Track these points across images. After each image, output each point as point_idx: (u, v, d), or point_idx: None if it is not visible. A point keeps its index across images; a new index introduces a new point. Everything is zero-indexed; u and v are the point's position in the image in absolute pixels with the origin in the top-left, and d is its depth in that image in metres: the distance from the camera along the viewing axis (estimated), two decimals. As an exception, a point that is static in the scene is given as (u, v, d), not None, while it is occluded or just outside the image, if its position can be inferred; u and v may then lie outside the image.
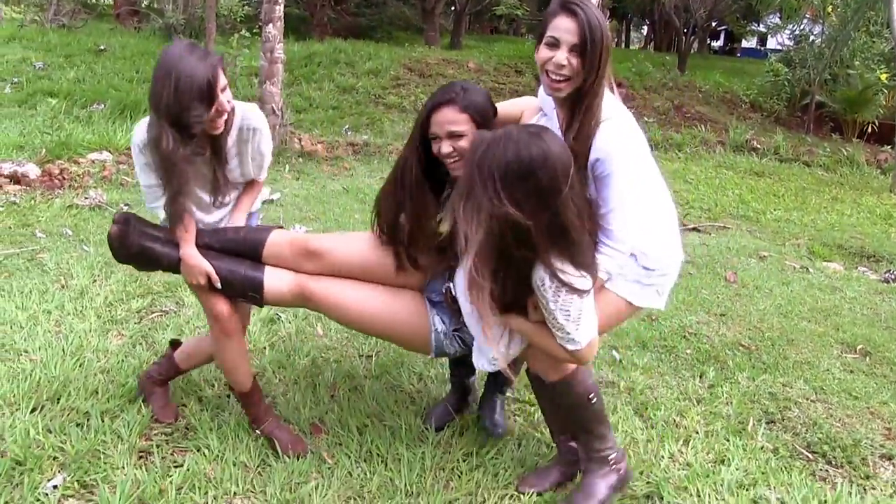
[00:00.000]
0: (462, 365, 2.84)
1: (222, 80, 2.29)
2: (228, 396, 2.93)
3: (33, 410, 2.77)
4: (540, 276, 2.02)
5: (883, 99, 12.57)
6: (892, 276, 5.67)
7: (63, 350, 3.25)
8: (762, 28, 24.76)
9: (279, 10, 8.21)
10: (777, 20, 18.50)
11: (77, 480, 2.41)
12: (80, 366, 3.13)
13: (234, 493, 2.41)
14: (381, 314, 2.48)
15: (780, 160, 10.80)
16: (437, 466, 2.61)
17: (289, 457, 2.59)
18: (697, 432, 2.99)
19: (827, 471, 2.82)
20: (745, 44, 35.07)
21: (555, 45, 2.13)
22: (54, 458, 2.51)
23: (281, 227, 2.63)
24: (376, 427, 2.82)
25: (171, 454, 2.61)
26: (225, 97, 2.30)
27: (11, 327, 3.45)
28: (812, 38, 13.56)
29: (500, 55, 14.57)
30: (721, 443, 2.92)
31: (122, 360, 3.21)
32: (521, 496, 2.50)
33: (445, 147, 2.30)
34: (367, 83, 11.98)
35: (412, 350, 2.70)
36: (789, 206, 8.32)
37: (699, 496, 2.55)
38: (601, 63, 2.10)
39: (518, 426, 2.93)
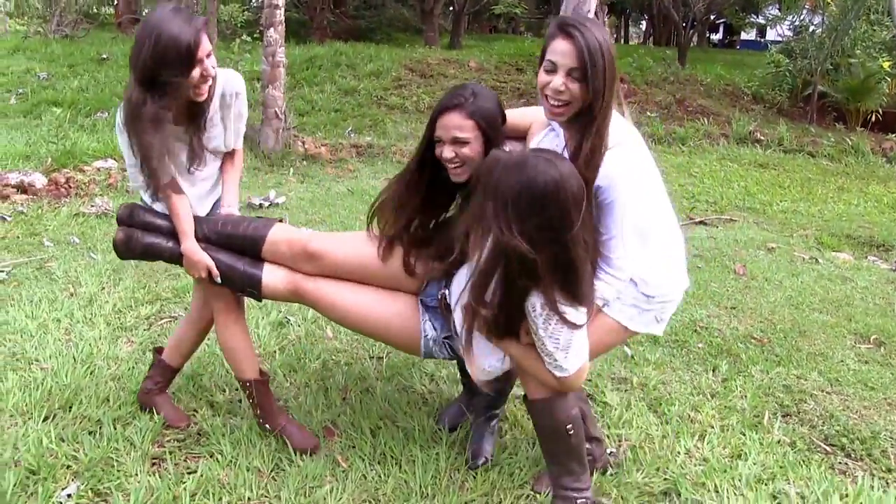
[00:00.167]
0: None
1: (207, 46, 2.27)
2: (240, 401, 2.91)
3: (46, 419, 2.76)
4: (532, 301, 2.00)
5: (886, 87, 12.51)
6: (903, 265, 5.64)
7: (74, 358, 3.25)
8: (761, 20, 24.74)
9: (280, 14, 8.21)
10: (776, 11, 18.48)
11: (91, 489, 2.40)
12: (90, 373, 3.13)
13: (249, 499, 2.40)
14: (373, 316, 2.48)
15: (784, 151, 10.75)
16: (452, 467, 2.60)
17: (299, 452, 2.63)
18: (713, 427, 2.97)
19: (846, 464, 2.79)
20: (744, 36, 35.00)
21: (552, 69, 2.07)
22: (68, 467, 2.50)
23: (281, 221, 2.63)
24: (389, 429, 2.81)
25: (185, 460, 2.61)
26: (210, 63, 2.29)
27: (22, 336, 3.45)
28: (812, 28, 13.50)
29: (500, 54, 14.55)
30: (737, 437, 2.90)
31: (133, 367, 3.21)
32: (538, 496, 2.48)
33: (448, 152, 2.27)
34: (368, 85, 11.97)
35: (402, 351, 2.71)
36: (795, 196, 8.28)
37: (717, 492, 2.53)
38: (605, 86, 2.03)
39: (531, 426, 2.90)
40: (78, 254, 4.77)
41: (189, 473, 2.51)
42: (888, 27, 12.93)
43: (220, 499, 2.39)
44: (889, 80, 12.51)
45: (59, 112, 9.27)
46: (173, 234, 2.52)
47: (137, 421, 2.76)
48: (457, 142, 2.25)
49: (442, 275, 2.44)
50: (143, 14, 19.26)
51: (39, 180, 6.33)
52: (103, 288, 4.15)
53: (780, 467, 2.69)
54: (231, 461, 2.57)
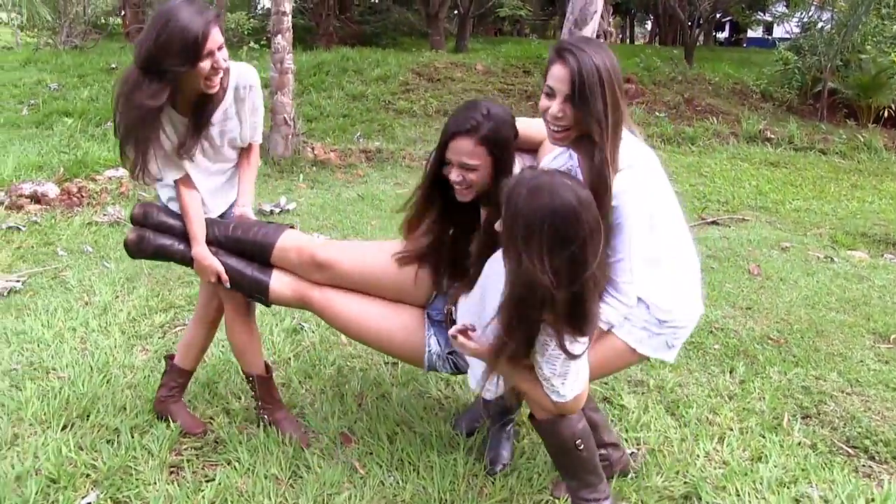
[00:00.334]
0: None
1: (218, 38, 2.25)
2: (256, 408, 2.91)
3: (64, 428, 2.77)
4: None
5: (898, 82, 12.40)
6: (919, 263, 5.59)
7: (90, 367, 3.26)
8: (768, 17, 24.63)
9: (288, 21, 8.22)
10: (783, 8, 18.40)
11: (110, 497, 2.41)
12: (107, 382, 3.14)
13: (268, 507, 2.40)
14: (378, 328, 2.49)
15: (795, 149, 10.69)
16: (470, 473, 2.59)
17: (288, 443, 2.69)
18: (732, 429, 2.95)
19: (870, 467, 2.76)
20: (750, 34, 34.87)
21: (551, 94, 2.05)
22: (87, 476, 2.51)
23: (292, 227, 2.63)
24: (406, 435, 2.80)
25: (202, 468, 2.61)
26: (221, 55, 2.28)
27: (39, 345, 3.46)
28: (821, 24, 13.41)
29: (507, 56, 14.53)
30: (757, 439, 2.87)
31: (149, 375, 3.21)
32: (557, 501, 2.47)
33: (455, 175, 2.23)
34: (376, 90, 11.98)
35: (406, 363, 2.72)
36: (808, 195, 8.23)
37: (738, 495, 2.51)
38: (606, 110, 1.98)
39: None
40: (92, 262, 4.79)
41: (207, 482, 2.51)
42: (899, 21, 12.85)
43: (239, 507, 2.39)
44: (901, 75, 12.41)
45: (70, 122, 9.33)
46: (186, 237, 2.54)
47: (154, 429, 2.77)
48: (465, 167, 2.21)
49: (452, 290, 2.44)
50: (152, 21, 19.33)
51: (52, 190, 6.37)
52: (117, 296, 4.16)
53: (802, 470, 2.66)
54: (248, 469, 2.56)
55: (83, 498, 2.39)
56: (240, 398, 3.05)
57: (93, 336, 3.60)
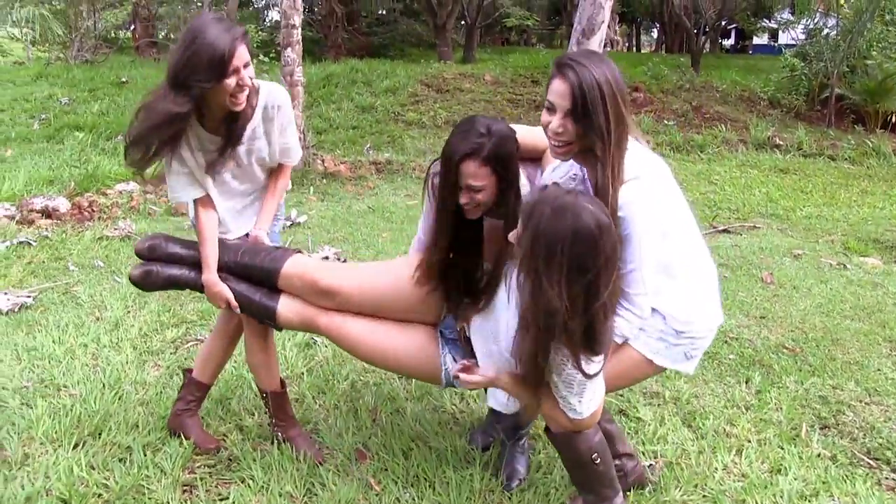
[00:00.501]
0: None
1: (244, 56, 2.25)
2: (269, 424, 2.89)
3: (76, 446, 2.75)
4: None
5: (904, 87, 12.35)
6: (933, 270, 5.54)
7: (101, 383, 3.24)
8: (773, 24, 24.61)
9: (297, 34, 8.25)
10: (788, 15, 18.37)
11: (124, 517, 2.39)
12: (119, 399, 3.12)
13: (283, 524, 2.38)
14: (391, 351, 2.46)
15: (804, 156, 10.66)
16: (487, 489, 2.56)
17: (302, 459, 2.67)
18: (749, 441, 2.91)
19: (894, 479, 2.71)
20: (756, 40, 34.82)
21: (551, 109, 2.03)
22: (99, 496, 2.48)
23: (299, 252, 2.61)
24: (421, 450, 2.77)
25: (216, 486, 2.58)
26: (247, 73, 2.28)
27: (50, 362, 3.45)
28: (826, 31, 13.39)
29: (515, 66, 14.56)
30: (775, 451, 2.84)
31: (161, 392, 3.20)
32: (575, 515, 2.44)
33: (463, 198, 2.21)
34: (385, 101, 12.01)
35: (423, 381, 2.70)
36: (818, 201, 8.19)
37: (759, 508, 2.47)
38: (608, 124, 1.96)
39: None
40: (102, 277, 4.79)
41: (221, 500, 2.49)
42: (904, 27, 12.80)
43: (254, 525, 2.37)
44: (907, 80, 12.37)
45: (80, 136, 9.36)
46: (195, 264, 2.54)
47: (167, 447, 2.75)
48: (472, 189, 2.18)
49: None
50: (160, 37, 19.52)
51: (63, 205, 6.39)
52: (128, 312, 4.15)
53: (823, 482, 2.62)
54: (262, 487, 2.54)
55: (96, 517, 2.37)
56: (253, 414, 3.03)
57: (104, 352, 3.59)
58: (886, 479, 2.71)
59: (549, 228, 1.82)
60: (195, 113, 2.33)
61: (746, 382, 3.45)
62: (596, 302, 1.85)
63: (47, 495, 2.45)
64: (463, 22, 20.32)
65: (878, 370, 3.59)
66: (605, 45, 5.85)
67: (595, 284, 1.84)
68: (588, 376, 1.95)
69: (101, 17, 19.47)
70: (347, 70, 13.68)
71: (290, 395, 2.92)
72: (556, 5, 27.00)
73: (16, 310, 4.14)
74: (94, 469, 2.61)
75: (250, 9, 22.57)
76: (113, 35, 21.53)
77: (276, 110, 2.50)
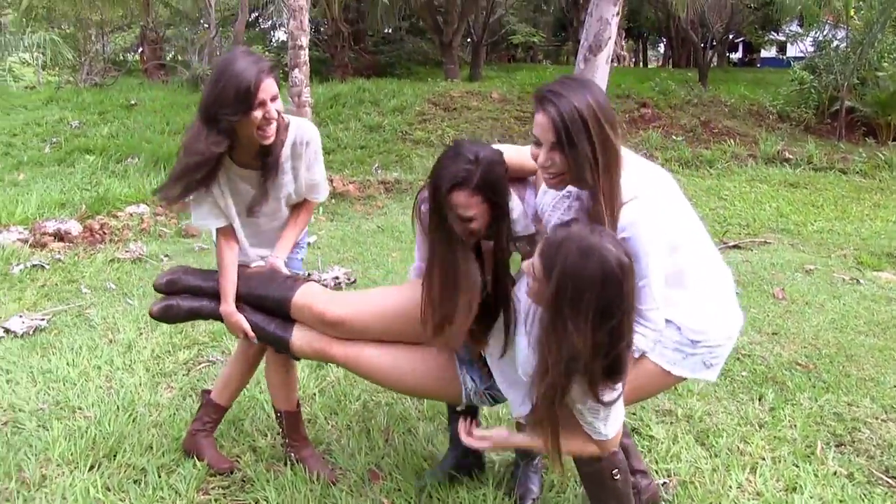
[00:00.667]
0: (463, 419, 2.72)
1: (271, 89, 2.27)
2: (282, 445, 2.90)
3: (91, 468, 2.77)
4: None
5: (917, 99, 12.29)
6: (946, 283, 5.50)
7: (116, 405, 3.26)
8: (781, 37, 24.61)
9: (305, 55, 8.33)
10: (797, 27, 18.37)
11: (139, 540, 2.40)
12: (133, 421, 3.14)
13: (297, 547, 2.38)
14: (409, 375, 2.45)
15: (814, 169, 10.61)
16: (500, 508, 2.55)
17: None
18: (764, 459, 2.90)
19: (914, 497, 2.70)
20: (764, 53, 34.83)
21: (538, 143, 2.02)
22: (115, 518, 2.50)
23: (309, 281, 2.61)
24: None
25: (230, 508, 2.59)
26: (275, 106, 2.29)
27: (64, 384, 3.48)
28: (836, 42, 13.38)
29: (522, 84, 14.59)
30: (790, 469, 2.82)
31: (174, 413, 3.21)
32: (590, 535, 2.42)
33: (457, 227, 2.18)
34: (393, 120, 12.07)
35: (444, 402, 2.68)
36: (830, 216, 8.16)
37: (775, 527, 2.46)
38: (593, 152, 1.93)
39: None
40: (115, 299, 4.82)
41: (235, 522, 2.50)
42: (916, 38, 12.77)
43: (268, 548, 2.37)
44: (920, 92, 12.31)
45: (91, 159, 9.47)
46: (215, 295, 2.56)
47: (181, 468, 2.76)
48: (464, 219, 2.16)
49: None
50: (168, 60, 19.72)
51: (75, 227, 6.45)
52: (141, 333, 4.17)
53: (840, 501, 2.60)
54: (277, 508, 2.55)
55: (112, 540, 2.38)
56: (266, 435, 3.04)
57: (118, 374, 3.61)
58: (905, 497, 2.69)
59: (576, 271, 1.81)
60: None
61: (760, 399, 3.44)
62: (620, 344, 1.86)
63: (63, 519, 2.46)
64: (469, 39, 20.42)
65: (895, 387, 3.56)
66: (611, 61, 5.87)
67: (619, 328, 1.84)
68: (607, 405, 1.95)
69: (109, 40, 19.73)
70: (355, 90, 13.77)
71: (303, 415, 2.93)
72: (562, 22, 27.10)
73: (30, 332, 4.18)
74: (109, 490, 2.63)
75: (257, 30, 22.75)
76: (121, 58, 21.82)
77: (304, 146, 2.51)
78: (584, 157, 1.94)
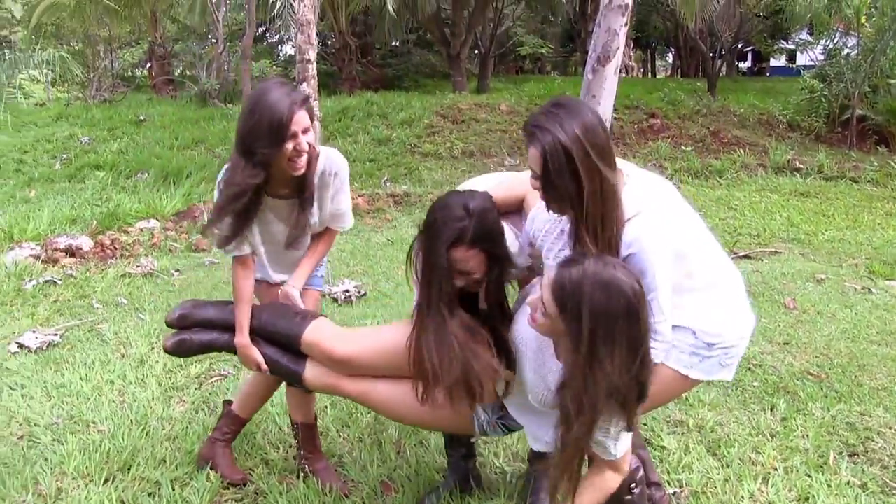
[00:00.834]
0: (460, 445, 2.71)
1: (303, 121, 2.29)
2: (295, 457, 2.91)
3: (106, 482, 2.79)
4: None
5: (930, 106, 12.25)
6: (959, 291, 5.47)
7: (129, 419, 3.28)
8: (791, 45, 24.58)
9: (312, 69, 8.38)
10: (807, 36, 18.35)
11: (153, 554, 2.41)
12: (146, 435, 3.15)
13: (310, 559, 2.38)
14: (421, 409, 2.41)
15: (825, 178, 10.57)
16: (512, 520, 2.56)
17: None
18: (776, 469, 2.88)
19: (929, 507, 2.68)
20: (773, 62, 34.81)
21: (535, 175, 2.02)
22: (129, 532, 2.51)
23: (318, 317, 2.59)
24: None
25: (244, 521, 2.60)
26: (306, 138, 2.30)
27: (78, 399, 3.50)
28: (846, 50, 13.35)
29: (530, 95, 14.63)
30: (802, 479, 2.81)
31: (187, 427, 3.23)
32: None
33: (459, 281, 2.21)
34: (401, 133, 12.12)
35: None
36: (841, 225, 8.13)
37: (788, 537, 2.45)
38: (578, 186, 1.93)
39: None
40: (126, 314, 4.86)
41: (248, 535, 2.51)
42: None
43: (281, 560, 2.38)
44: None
45: (101, 175, 9.55)
46: (226, 328, 2.58)
47: (195, 481, 2.77)
48: (464, 273, 2.19)
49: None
50: (176, 75, 19.87)
51: (86, 243, 6.50)
52: (153, 348, 4.20)
53: (854, 511, 2.60)
54: (289, 521, 2.56)
55: (126, 554, 2.39)
56: (278, 448, 3.05)
57: (130, 388, 3.64)
58: (919, 507, 2.68)
59: (605, 310, 1.82)
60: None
61: (771, 410, 3.42)
62: (647, 370, 1.89)
63: (78, 533, 2.48)
64: (476, 51, 20.52)
65: (907, 395, 3.55)
66: (620, 72, 5.88)
67: (647, 352, 1.87)
68: (630, 428, 1.98)
69: (117, 56, 19.89)
70: (363, 103, 13.84)
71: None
72: (570, 33, 27.18)
73: (44, 348, 4.21)
74: (124, 503, 2.64)
75: (264, 44, 22.92)
76: (130, 74, 22.00)
77: (332, 177, 2.53)
78: (565, 192, 1.96)
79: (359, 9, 16.34)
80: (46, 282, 5.53)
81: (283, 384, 2.83)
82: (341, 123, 12.76)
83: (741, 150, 11.69)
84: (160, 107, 14.80)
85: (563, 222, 2.16)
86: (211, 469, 2.81)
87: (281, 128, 2.22)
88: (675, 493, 2.68)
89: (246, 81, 9.84)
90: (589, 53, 5.87)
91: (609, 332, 1.82)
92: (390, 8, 13.72)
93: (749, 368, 3.88)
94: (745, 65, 36.65)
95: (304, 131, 2.29)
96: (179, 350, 2.61)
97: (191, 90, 16.87)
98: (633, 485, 2.20)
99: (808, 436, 3.15)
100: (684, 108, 13.68)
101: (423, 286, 2.23)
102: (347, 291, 5.25)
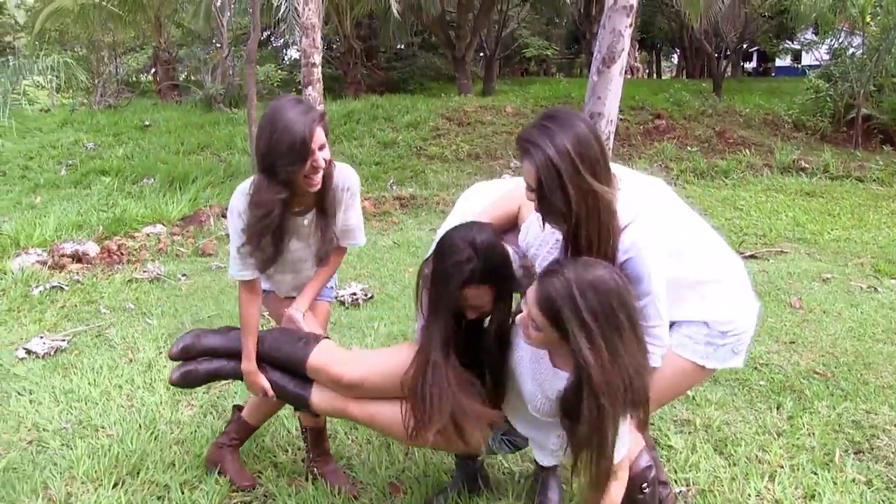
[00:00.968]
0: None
1: (320, 138, 2.30)
2: (303, 460, 2.92)
3: (115, 485, 2.81)
4: None
5: (936, 105, 12.21)
6: (965, 289, 5.45)
7: (137, 424, 3.30)
8: (796, 45, 24.55)
9: (317, 73, 8.41)
10: (812, 36, 18.33)
11: (162, 556, 2.42)
12: (154, 439, 3.17)
13: (318, 561, 2.40)
14: None
15: (830, 178, 10.56)
16: (520, 520, 2.56)
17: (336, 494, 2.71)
18: (782, 467, 2.89)
19: (934, 504, 2.68)
20: (778, 62, 34.76)
21: (529, 188, 2.04)
22: (138, 535, 2.53)
23: (322, 340, 2.59)
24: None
25: (252, 523, 2.62)
26: (322, 155, 2.31)
27: (87, 403, 3.52)
28: (852, 50, 13.32)
29: (536, 97, 14.64)
30: (808, 477, 2.81)
31: (195, 431, 3.24)
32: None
33: (470, 314, 2.24)
34: (407, 136, 12.13)
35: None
36: (846, 224, 8.12)
37: (795, 536, 2.45)
38: (567, 202, 1.95)
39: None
40: (134, 319, 4.88)
41: (257, 537, 2.52)
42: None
43: (290, 562, 2.39)
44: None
45: (107, 181, 9.59)
46: (231, 355, 2.59)
47: (204, 485, 2.79)
48: (475, 308, 2.22)
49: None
50: (181, 80, 19.94)
51: (93, 249, 6.52)
52: (160, 353, 4.22)
53: (860, 508, 2.60)
54: (298, 523, 2.57)
55: (136, 556, 2.41)
56: (287, 451, 3.07)
57: (138, 393, 3.66)
58: (925, 504, 2.68)
59: (601, 308, 1.86)
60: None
61: (778, 408, 3.43)
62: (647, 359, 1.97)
63: (88, 535, 2.50)
64: (481, 54, 20.51)
65: (913, 393, 3.54)
66: (625, 73, 5.89)
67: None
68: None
69: (122, 61, 19.97)
70: (368, 106, 13.87)
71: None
72: (575, 34, 27.18)
73: (52, 353, 4.23)
74: (133, 508, 2.66)
75: (269, 48, 22.95)
76: (134, 79, 22.08)
77: (344, 192, 2.54)
78: (560, 208, 1.97)
79: (363, 12, 16.36)
80: (53, 287, 5.56)
81: None
82: (347, 127, 12.79)
83: (747, 151, 11.67)
84: (165, 112, 14.87)
85: (557, 233, 2.17)
86: (219, 474, 2.83)
87: (304, 146, 2.23)
88: (681, 491, 2.69)
89: (251, 85, 9.86)
90: (594, 55, 5.88)
91: (614, 324, 1.86)
92: (395, 11, 13.75)
93: (755, 367, 3.88)
94: (750, 65, 36.60)
95: (321, 148, 2.30)
96: (186, 381, 2.61)
97: (196, 95, 16.93)
98: (645, 485, 2.21)
99: (814, 434, 3.15)
100: (690, 108, 13.67)
101: (427, 324, 2.25)
102: (354, 294, 5.26)
